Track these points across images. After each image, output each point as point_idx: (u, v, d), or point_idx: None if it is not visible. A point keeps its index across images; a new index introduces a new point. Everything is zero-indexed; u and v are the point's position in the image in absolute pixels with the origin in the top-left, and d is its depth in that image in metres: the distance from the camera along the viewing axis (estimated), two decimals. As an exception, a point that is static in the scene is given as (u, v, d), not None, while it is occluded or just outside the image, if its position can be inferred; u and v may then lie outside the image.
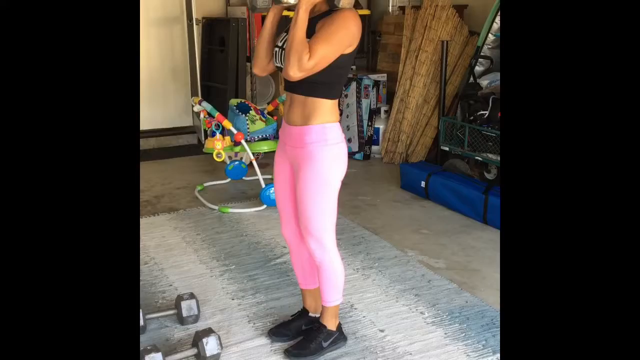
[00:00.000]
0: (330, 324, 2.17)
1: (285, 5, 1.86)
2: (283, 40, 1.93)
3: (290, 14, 1.91)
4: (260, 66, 2.01)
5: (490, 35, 4.12)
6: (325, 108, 1.92)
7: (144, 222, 3.49)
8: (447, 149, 4.11)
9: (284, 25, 1.99)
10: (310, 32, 1.81)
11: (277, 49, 1.96)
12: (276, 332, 2.28)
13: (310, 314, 2.29)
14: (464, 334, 2.33)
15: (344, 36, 1.81)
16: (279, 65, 1.96)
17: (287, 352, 2.17)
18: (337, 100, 1.97)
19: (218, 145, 3.71)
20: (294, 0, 1.81)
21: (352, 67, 5.41)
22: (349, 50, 1.85)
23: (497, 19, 4.08)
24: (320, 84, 1.89)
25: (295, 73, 1.78)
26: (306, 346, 2.15)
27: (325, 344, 2.16)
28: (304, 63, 1.76)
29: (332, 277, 2.09)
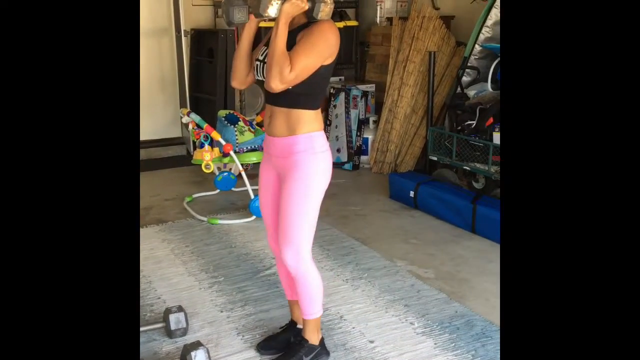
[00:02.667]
0: (312, 338, 2.15)
1: (265, 18, 1.88)
2: (264, 54, 1.95)
3: (269, 24, 1.93)
4: (240, 79, 2.04)
5: (477, 46, 4.15)
6: (310, 118, 1.95)
7: (132, 234, 3.47)
8: (435, 158, 4.13)
9: (259, 38, 2.00)
10: (290, 45, 1.85)
11: (258, 62, 2.00)
12: (264, 346, 2.27)
13: (299, 326, 2.28)
14: (453, 344, 2.33)
15: (323, 48, 1.85)
16: (260, 78, 2.00)
17: None
18: (320, 110, 2.00)
19: (207, 157, 3.71)
20: (274, 13, 1.83)
21: (341, 77, 5.44)
22: (329, 61, 1.90)
23: (484, 30, 4.11)
24: (301, 96, 1.92)
25: (277, 85, 1.82)
26: None
27: (306, 359, 2.14)
28: (286, 75, 1.80)
29: (308, 289, 2.06)
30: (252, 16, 1.94)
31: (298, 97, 1.92)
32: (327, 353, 2.22)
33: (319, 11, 1.83)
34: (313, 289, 2.07)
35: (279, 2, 1.82)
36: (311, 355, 2.15)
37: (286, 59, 1.80)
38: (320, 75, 1.89)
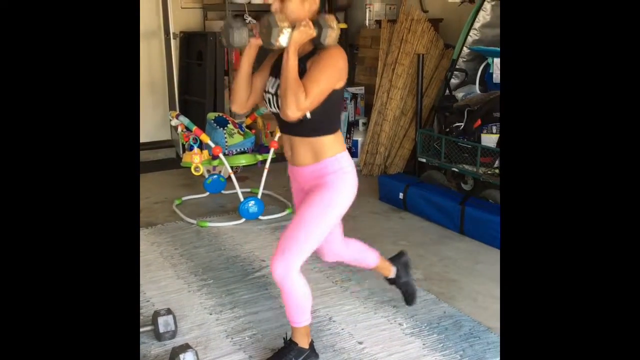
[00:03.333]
0: (302, 342, 2.15)
1: (276, 47, 1.89)
2: (275, 87, 1.98)
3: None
4: (240, 103, 2.05)
5: (465, 48, 4.18)
6: (332, 141, 2.00)
7: (121, 237, 3.45)
8: (424, 160, 4.15)
9: (260, 58, 2.05)
10: (300, 71, 1.88)
11: (269, 95, 2.01)
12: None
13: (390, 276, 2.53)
14: (442, 345, 2.35)
15: (333, 73, 1.89)
16: (274, 110, 2.02)
17: None
18: (339, 131, 2.04)
19: (196, 159, 3.70)
20: (285, 42, 1.85)
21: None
22: (339, 85, 1.93)
23: (472, 33, 4.15)
24: (318, 123, 1.96)
25: (294, 113, 1.84)
26: None
27: None
28: (301, 102, 1.82)
29: (295, 299, 2.04)
30: (252, 39, 1.95)
31: (315, 124, 1.95)
32: (316, 355, 2.22)
33: (326, 37, 1.86)
34: (299, 299, 2.05)
35: (289, 30, 1.84)
36: (300, 358, 2.15)
37: (300, 87, 1.83)
38: (332, 99, 1.92)
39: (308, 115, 1.89)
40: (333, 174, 1.98)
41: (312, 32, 1.85)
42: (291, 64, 1.84)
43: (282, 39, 1.84)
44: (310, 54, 1.92)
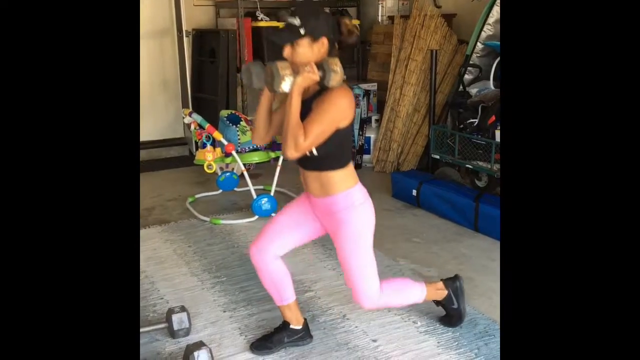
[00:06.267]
0: (433, 295, 2.36)
1: (280, 93, 1.95)
2: None
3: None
4: (260, 136, 2.14)
5: (478, 44, 4.15)
6: (341, 177, 2.02)
7: (134, 234, 3.47)
8: (437, 157, 4.12)
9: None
10: (307, 112, 1.92)
11: None
12: (258, 346, 2.28)
13: (292, 326, 2.29)
14: (456, 343, 2.33)
15: (335, 114, 1.91)
16: None
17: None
18: (350, 164, 2.06)
19: (209, 157, 3.71)
20: (288, 88, 1.91)
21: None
22: (344, 123, 1.95)
23: (486, 28, 4.11)
24: (326, 159, 1.99)
25: (292, 154, 1.90)
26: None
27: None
28: (300, 143, 1.87)
29: (398, 300, 2.25)
30: None
31: (323, 160, 1.98)
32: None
33: (329, 80, 1.89)
34: (402, 299, 2.26)
35: (291, 78, 1.90)
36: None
37: (300, 129, 1.87)
38: (339, 137, 1.94)
39: (314, 151, 1.93)
40: (344, 210, 2.03)
41: (315, 76, 1.89)
42: (293, 107, 1.89)
43: (285, 86, 1.90)
44: (317, 93, 1.96)
